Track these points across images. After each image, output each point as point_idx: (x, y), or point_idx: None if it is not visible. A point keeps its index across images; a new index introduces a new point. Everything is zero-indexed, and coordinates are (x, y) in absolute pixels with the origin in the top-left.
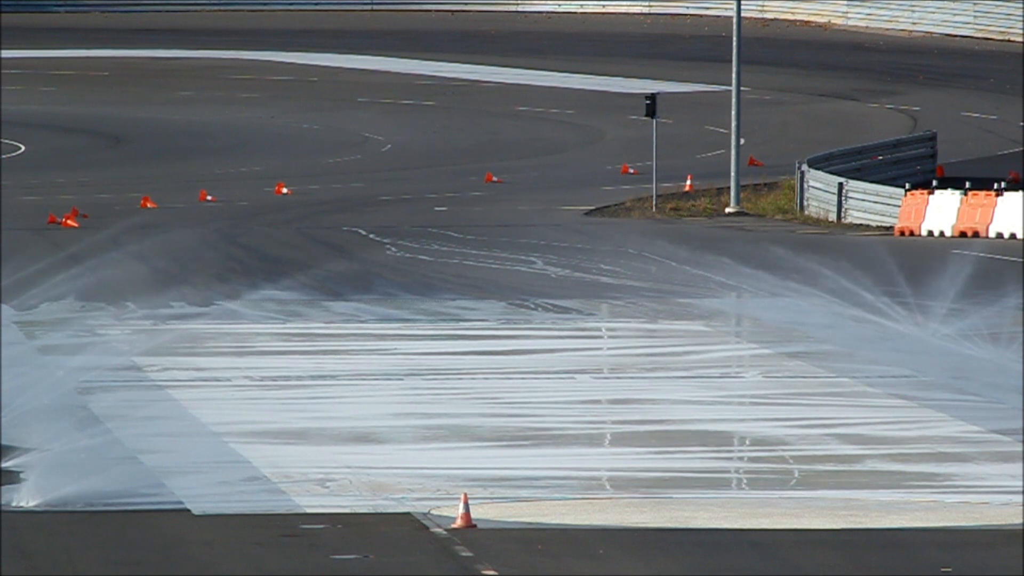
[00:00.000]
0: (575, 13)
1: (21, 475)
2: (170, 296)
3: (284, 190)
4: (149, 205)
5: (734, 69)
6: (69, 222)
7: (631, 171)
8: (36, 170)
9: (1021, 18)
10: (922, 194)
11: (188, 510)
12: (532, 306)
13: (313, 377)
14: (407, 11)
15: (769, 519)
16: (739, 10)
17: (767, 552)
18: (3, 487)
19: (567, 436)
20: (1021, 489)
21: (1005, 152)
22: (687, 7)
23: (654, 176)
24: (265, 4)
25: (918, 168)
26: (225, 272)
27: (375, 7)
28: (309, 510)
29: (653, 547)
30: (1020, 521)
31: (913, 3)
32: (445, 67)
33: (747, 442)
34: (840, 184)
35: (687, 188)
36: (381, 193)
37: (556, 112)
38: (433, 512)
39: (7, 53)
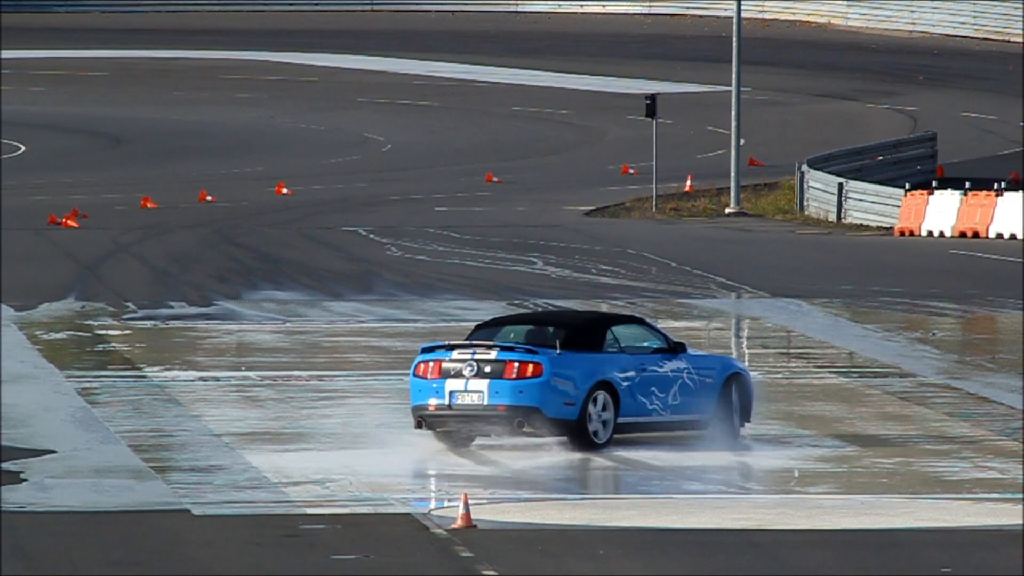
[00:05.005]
0: (574, 13)
1: (21, 475)
2: (170, 296)
3: (284, 190)
4: (149, 205)
5: (734, 69)
6: (69, 222)
7: (631, 171)
8: (36, 170)
9: (1020, 18)
10: (922, 194)
11: (188, 510)
12: (532, 306)
13: (313, 377)
14: (406, 11)
15: (769, 519)
16: (739, 10)
17: (767, 552)
18: (3, 487)
19: None
20: (1021, 489)
21: (1005, 152)
22: (687, 7)
23: (654, 176)
24: (265, 4)
25: (918, 168)
26: (225, 272)
27: (375, 7)
28: (309, 510)
29: (653, 547)
30: (1020, 521)
31: (912, 3)
32: (444, 67)
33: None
34: (840, 184)
35: (687, 188)
36: (381, 193)
37: (555, 112)
38: (433, 512)
39: (7, 53)
